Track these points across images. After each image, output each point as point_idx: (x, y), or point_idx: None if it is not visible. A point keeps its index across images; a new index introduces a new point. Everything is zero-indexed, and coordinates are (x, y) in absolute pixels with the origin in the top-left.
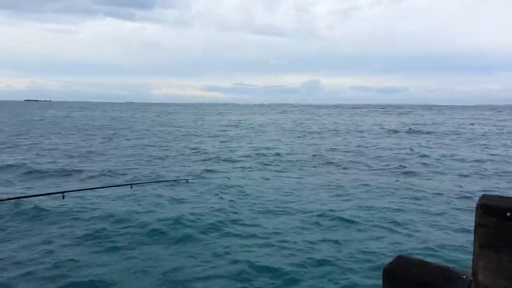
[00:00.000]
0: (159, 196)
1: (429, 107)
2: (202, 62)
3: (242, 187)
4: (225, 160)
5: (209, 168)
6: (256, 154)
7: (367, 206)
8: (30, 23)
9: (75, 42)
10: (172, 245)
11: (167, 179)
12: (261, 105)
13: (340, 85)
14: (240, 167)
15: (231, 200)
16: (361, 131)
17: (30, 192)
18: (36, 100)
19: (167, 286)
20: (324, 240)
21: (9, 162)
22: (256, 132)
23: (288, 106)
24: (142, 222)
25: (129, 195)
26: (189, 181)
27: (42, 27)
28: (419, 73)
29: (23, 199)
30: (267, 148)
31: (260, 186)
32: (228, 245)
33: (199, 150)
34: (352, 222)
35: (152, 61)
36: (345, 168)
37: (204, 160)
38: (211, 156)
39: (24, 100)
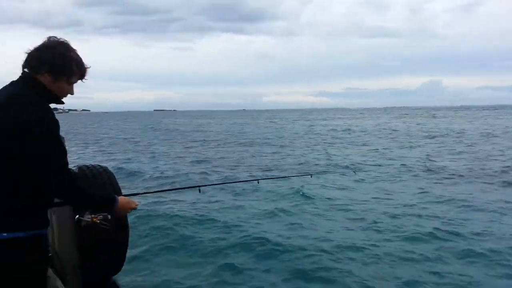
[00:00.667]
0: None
1: None
2: (311, 68)
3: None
4: (345, 167)
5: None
6: (374, 161)
7: None
8: (156, 43)
9: (194, 57)
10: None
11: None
12: (374, 109)
13: (464, 86)
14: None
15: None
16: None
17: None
18: (163, 110)
19: None
20: None
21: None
22: (369, 138)
23: (405, 109)
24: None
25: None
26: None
27: (165, 46)
28: None
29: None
30: (384, 155)
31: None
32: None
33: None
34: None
35: (263, 70)
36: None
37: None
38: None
39: (154, 110)
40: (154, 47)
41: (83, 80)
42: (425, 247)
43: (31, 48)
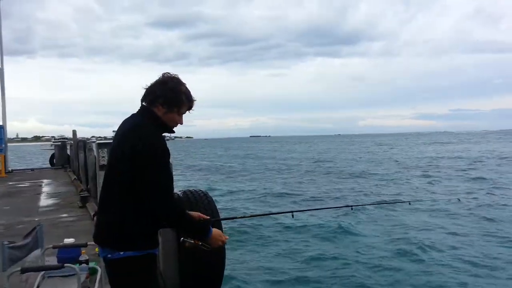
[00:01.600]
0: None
1: None
2: (411, 90)
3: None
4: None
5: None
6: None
7: None
8: (253, 70)
9: (288, 82)
10: None
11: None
12: (486, 132)
13: None
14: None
15: None
16: None
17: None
18: (258, 136)
19: None
20: None
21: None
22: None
23: None
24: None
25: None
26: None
27: (262, 73)
28: None
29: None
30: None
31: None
32: None
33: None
34: None
35: (357, 93)
36: None
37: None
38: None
39: (250, 136)
40: (252, 74)
41: (191, 111)
42: None
43: (148, 83)
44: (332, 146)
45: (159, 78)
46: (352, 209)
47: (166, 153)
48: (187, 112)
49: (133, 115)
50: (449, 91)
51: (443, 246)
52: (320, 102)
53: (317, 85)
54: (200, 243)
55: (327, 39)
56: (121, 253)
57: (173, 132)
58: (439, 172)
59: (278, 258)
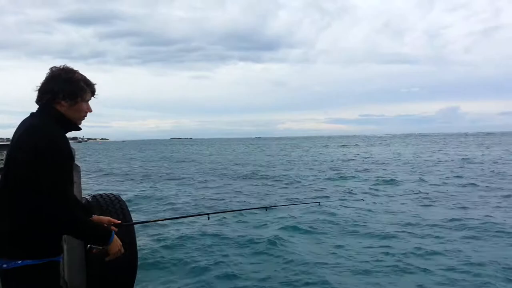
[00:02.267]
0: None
1: None
2: (326, 96)
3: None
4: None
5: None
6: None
7: None
8: (174, 72)
9: (211, 85)
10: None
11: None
12: (393, 136)
13: (485, 112)
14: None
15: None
16: None
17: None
18: (180, 138)
19: None
20: None
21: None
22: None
23: (421, 136)
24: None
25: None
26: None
27: (184, 75)
28: None
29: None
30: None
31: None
32: None
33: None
34: None
35: (278, 98)
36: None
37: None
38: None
39: (170, 138)
40: (173, 76)
41: (95, 96)
42: None
43: (38, 84)
44: (249, 149)
45: (49, 74)
46: (266, 210)
47: (64, 155)
48: (92, 98)
49: (32, 114)
50: (359, 98)
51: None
52: (242, 106)
53: (239, 89)
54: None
55: (249, 43)
56: (19, 261)
57: (79, 129)
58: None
59: (195, 264)
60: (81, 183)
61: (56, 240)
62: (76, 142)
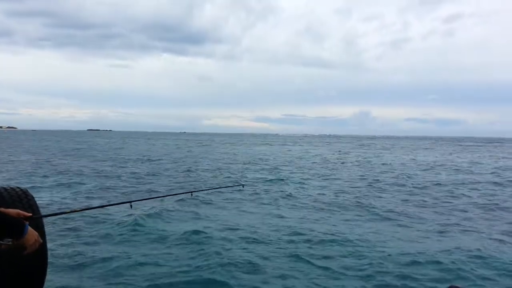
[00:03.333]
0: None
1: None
2: (251, 94)
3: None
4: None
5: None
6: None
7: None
8: (92, 59)
9: (133, 76)
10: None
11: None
12: (312, 136)
13: (393, 117)
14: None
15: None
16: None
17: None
18: (98, 130)
19: None
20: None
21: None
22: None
23: (337, 137)
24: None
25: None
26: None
27: (102, 63)
28: (479, 104)
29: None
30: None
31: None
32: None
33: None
34: None
35: (204, 93)
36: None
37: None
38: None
39: (87, 130)
40: (91, 63)
41: None
42: None
43: None
44: (172, 143)
45: None
46: (192, 195)
47: None
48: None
49: None
50: (282, 97)
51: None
52: (167, 99)
53: (164, 81)
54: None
55: (174, 34)
56: None
57: None
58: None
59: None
60: None
61: None
62: None
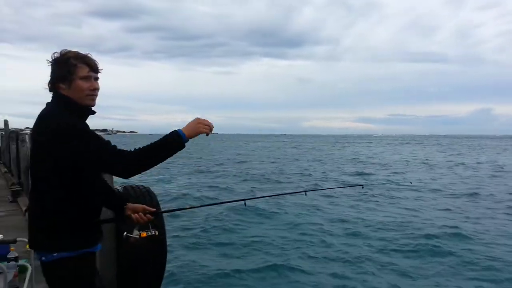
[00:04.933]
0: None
1: None
2: (353, 94)
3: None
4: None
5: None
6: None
7: None
8: (199, 67)
9: (235, 81)
10: None
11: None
12: (424, 136)
13: None
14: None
15: None
16: None
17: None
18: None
19: None
20: None
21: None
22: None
23: (452, 138)
24: None
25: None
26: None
27: (208, 70)
28: None
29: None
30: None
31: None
32: None
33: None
34: None
35: (303, 95)
36: None
37: None
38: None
39: None
40: (198, 71)
41: (99, 71)
42: None
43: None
44: (270, 145)
45: (50, 62)
46: (306, 194)
47: (75, 129)
48: (93, 73)
49: (47, 103)
50: (387, 96)
51: None
52: (267, 102)
53: (264, 85)
54: (147, 235)
55: (273, 39)
56: (55, 254)
57: (91, 112)
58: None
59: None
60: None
61: (91, 232)
62: (106, 134)
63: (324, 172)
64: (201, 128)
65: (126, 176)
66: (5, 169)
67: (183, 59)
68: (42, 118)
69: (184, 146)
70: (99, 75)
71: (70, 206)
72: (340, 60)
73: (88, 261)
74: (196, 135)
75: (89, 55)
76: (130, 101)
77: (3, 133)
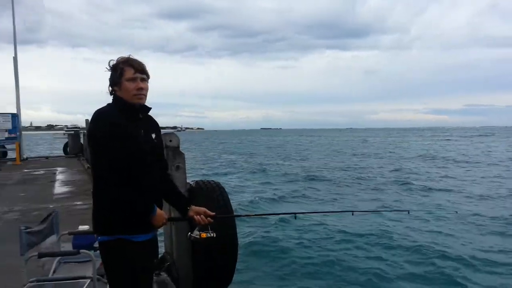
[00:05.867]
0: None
1: None
2: (423, 84)
3: None
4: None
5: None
6: None
7: None
8: (261, 63)
9: (298, 75)
10: None
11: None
12: (501, 128)
13: None
14: None
15: None
16: None
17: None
18: (269, 128)
19: None
20: None
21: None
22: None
23: None
24: None
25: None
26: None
27: (270, 65)
28: None
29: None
30: None
31: None
32: None
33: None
34: None
35: (369, 87)
36: None
37: None
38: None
39: (260, 128)
40: (260, 66)
41: (145, 71)
42: None
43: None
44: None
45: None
46: (353, 214)
47: (105, 133)
48: (139, 73)
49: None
50: (462, 86)
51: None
52: (330, 95)
53: (328, 78)
54: (206, 237)
55: (337, 31)
56: (99, 237)
57: (142, 110)
58: None
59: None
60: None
61: (128, 220)
62: (176, 131)
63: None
64: (160, 222)
65: (96, 187)
66: (88, 165)
67: (247, 55)
68: (94, 116)
69: (149, 218)
70: (145, 76)
71: (108, 201)
72: (409, 49)
73: (124, 246)
74: (155, 222)
75: (133, 58)
76: (198, 99)
77: (85, 131)
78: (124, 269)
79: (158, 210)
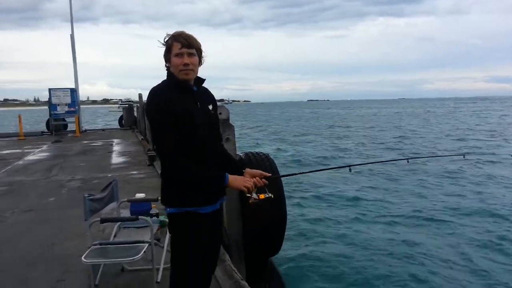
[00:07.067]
0: None
1: None
2: (483, 51)
3: None
4: None
5: None
6: None
7: None
8: (309, 32)
9: (347, 45)
10: None
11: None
12: None
13: None
14: None
15: None
16: None
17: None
18: (316, 100)
19: None
20: None
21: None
22: None
23: None
24: None
25: None
26: None
27: (319, 35)
28: None
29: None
30: None
31: None
32: None
33: None
34: None
35: (424, 55)
36: None
37: None
38: None
39: (307, 100)
40: (308, 36)
41: (193, 46)
42: None
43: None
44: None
45: None
46: (409, 161)
47: (159, 111)
48: (186, 48)
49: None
50: None
51: None
52: (382, 65)
53: (379, 47)
54: (264, 197)
55: None
56: (168, 209)
57: (197, 82)
58: None
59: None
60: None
61: (199, 194)
62: (223, 103)
63: None
64: (242, 187)
65: (163, 162)
66: (142, 137)
67: (292, 25)
68: (150, 94)
69: (223, 189)
70: (194, 50)
71: (189, 177)
72: (468, 13)
73: (191, 219)
74: (236, 189)
75: (180, 32)
76: (244, 72)
77: (138, 105)
78: (190, 240)
79: (230, 176)
